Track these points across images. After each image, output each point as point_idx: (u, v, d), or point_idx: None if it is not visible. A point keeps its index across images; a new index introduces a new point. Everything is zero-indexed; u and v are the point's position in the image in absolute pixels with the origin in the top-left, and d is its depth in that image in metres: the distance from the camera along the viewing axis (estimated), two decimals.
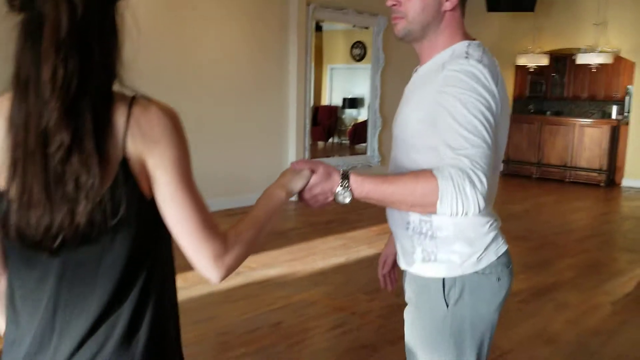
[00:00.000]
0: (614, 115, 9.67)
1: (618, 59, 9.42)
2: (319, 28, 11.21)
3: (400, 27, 1.51)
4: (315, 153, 11.00)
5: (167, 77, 5.90)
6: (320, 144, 12.90)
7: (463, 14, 1.54)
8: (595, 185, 9.21)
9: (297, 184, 1.33)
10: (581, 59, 9.43)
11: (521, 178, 9.90)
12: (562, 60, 10.33)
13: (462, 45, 1.47)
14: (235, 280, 4.31)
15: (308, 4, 7.28)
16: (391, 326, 3.51)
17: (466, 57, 1.41)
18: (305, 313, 3.79)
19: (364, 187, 1.37)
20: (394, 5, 1.50)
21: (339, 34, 12.58)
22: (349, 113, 13.56)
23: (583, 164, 9.43)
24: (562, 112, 10.58)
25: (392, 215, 1.63)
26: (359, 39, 12.08)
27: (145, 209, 1.02)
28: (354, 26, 9.07)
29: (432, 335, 1.58)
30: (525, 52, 10.19)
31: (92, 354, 1.03)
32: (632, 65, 9.35)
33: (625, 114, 9.56)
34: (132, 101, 0.99)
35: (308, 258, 4.98)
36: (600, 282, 4.54)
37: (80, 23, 0.92)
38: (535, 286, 4.42)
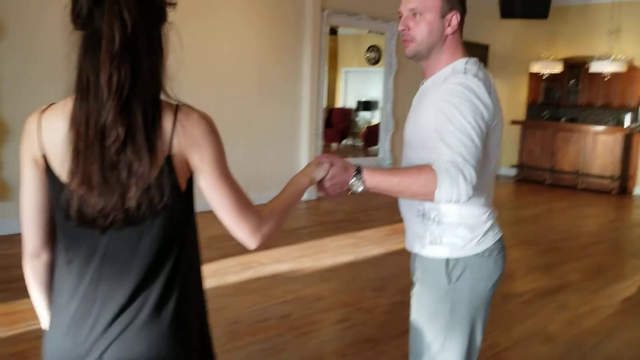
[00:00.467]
0: (627, 124, 9.71)
1: (632, 67, 9.46)
2: (334, 32, 11.37)
3: (411, 48, 1.75)
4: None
5: (186, 80, 6.08)
6: (334, 145, 13.06)
7: (461, 34, 1.76)
8: (607, 192, 9.26)
9: (319, 174, 1.57)
10: (594, 67, 9.49)
11: (534, 184, 9.99)
12: (576, 67, 10.38)
13: (461, 62, 1.71)
14: (247, 274, 4.49)
15: (323, 10, 7.44)
16: (395, 322, 3.65)
17: (464, 73, 1.65)
18: (313, 307, 3.95)
19: (374, 179, 1.59)
20: (404, 30, 1.73)
21: (354, 37, 12.73)
22: (363, 116, 13.72)
23: (596, 171, 9.48)
24: (577, 119, 10.62)
25: (405, 204, 1.86)
26: (374, 43, 12.24)
27: (179, 199, 1.22)
28: (369, 31, 9.22)
29: (435, 307, 1.81)
30: (539, 58, 10.26)
31: (128, 322, 1.20)
32: None
33: (639, 122, 9.60)
34: (177, 108, 1.19)
35: (318, 255, 5.14)
36: (602, 286, 4.64)
37: (130, 38, 1.11)
38: (538, 288, 4.54)
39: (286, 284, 4.35)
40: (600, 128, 9.59)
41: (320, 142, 7.83)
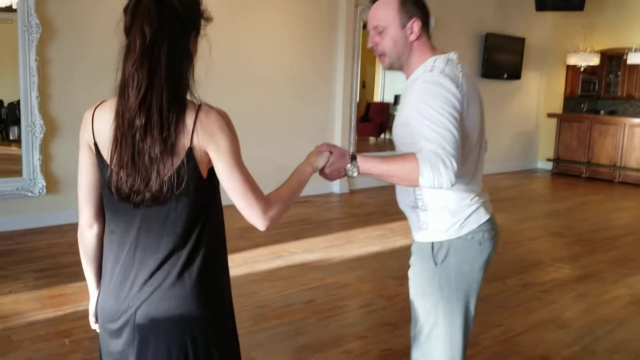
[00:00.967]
0: None
1: None
2: None
3: (385, 62, 1.95)
4: (365, 148, 11.34)
5: (225, 76, 6.37)
6: (372, 139, 13.20)
7: (429, 35, 1.92)
8: None
9: (320, 162, 1.78)
10: (632, 59, 9.38)
11: (570, 177, 9.94)
12: (616, 59, 10.25)
13: (430, 61, 1.88)
14: (276, 263, 4.74)
15: (356, 6, 7.61)
16: None
17: (431, 70, 1.83)
18: (337, 293, 4.17)
19: (366, 165, 1.78)
20: (373, 46, 1.94)
21: None
22: None
23: (632, 164, 9.38)
24: (617, 112, 10.50)
25: (400, 197, 2.06)
26: None
27: (202, 185, 1.46)
28: None
29: (424, 287, 2.00)
30: (576, 51, 10.18)
31: (159, 282, 1.47)
32: None
33: None
34: (198, 107, 1.42)
35: (346, 245, 5.34)
36: (623, 277, 4.71)
37: (149, 48, 1.35)
38: (560, 278, 4.64)
39: (313, 272, 4.57)
40: (637, 120, 9.48)
41: (353, 137, 8.01)
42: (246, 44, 6.79)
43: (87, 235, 1.59)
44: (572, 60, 10.24)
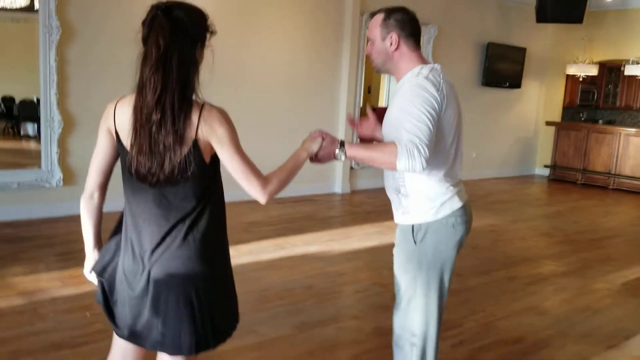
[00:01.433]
0: None
1: None
2: None
3: (375, 67, 2.36)
4: None
5: (233, 79, 6.74)
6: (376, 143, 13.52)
7: (414, 46, 2.27)
8: (638, 193, 9.44)
9: (314, 147, 2.11)
10: (629, 70, 9.69)
11: (566, 183, 10.24)
12: (614, 70, 10.56)
13: (417, 68, 2.23)
14: (279, 253, 5.07)
15: (361, 14, 7.95)
16: None
17: (417, 76, 2.18)
18: (335, 280, 4.50)
19: (352, 151, 2.13)
20: (369, 55, 2.35)
21: None
22: None
23: (627, 171, 9.68)
24: (615, 122, 10.81)
25: (387, 185, 2.40)
26: None
27: (205, 170, 1.79)
28: None
29: (405, 263, 2.34)
30: (575, 61, 10.50)
31: (168, 245, 1.80)
32: None
33: None
34: (202, 106, 1.75)
35: (345, 240, 5.67)
36: (604, 274, 5.02)
37: (163, 56, 1.67)
38: (544, 273, 4.95)
39: (313, 262, 4.90)
40: (632, 130, 9.78)
41: (356, 140, 8.34)
42: (254, 49, 7.14)
43: (89, 204, 1.92)
44: (572, 70, 10.55)
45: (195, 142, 1.72)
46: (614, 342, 3.59)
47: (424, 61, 2.28)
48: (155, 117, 1.67)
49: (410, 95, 2.11)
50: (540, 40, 10.71)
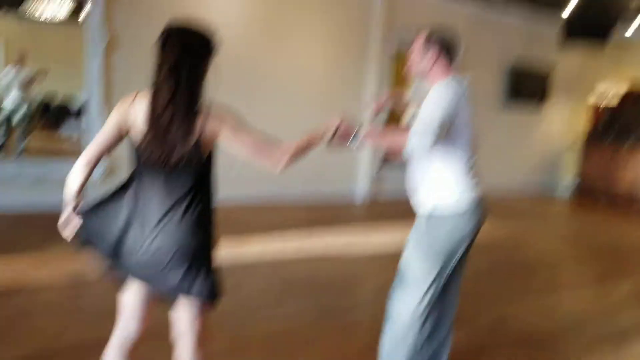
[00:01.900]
0: None
1: None
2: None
3: (412, 73, 2.70)
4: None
5: (259, 89, 7.10)
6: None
7: (448, 62, 2.62)
8: None
9: (329, 132, 2.39)
10: None
11: (588, 203, 10.31)
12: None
13: (445, 80, 2.56)
14: (303, 249, 5.34)
15: (388, 31, 8.26)
16: None
17: (445, 85, 2.52)
18: (356, 276, 4.78)
19: (367, 137, 2.43)
20: (409, 64, 2.70)
21: None
22: None
23: None
24: None
25: (410, 176, 2.70)
26: None
27: (203, 162, 2.13)
28: None
29: (416, 244, 2.63)
30: (599, 87, 10.65)
31: (170, 219, 2.11)
32: None
33: None
34: (207, 108, 2.09)
35: (365, 242, 5.92)
36: (621, 284, 5.19)
37: (174, 67, 2.02)
38: (558, 281, 5.15)
39: (336, 259, 5.17)
40: None
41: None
42: (282, 61, 7.50)
43: (82, 171, 2.17)
44: (597, 95, 10.70)
45: (199, 138, 2.06)
46: (623, 341, 3.77)
47: (455, 73, 2.62)
48: (167, 116, 2.02)
49: (433, 98, 2.45)
50: (565, 63, 10.89)
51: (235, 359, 3.07)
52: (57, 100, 7.25)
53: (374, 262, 5.21)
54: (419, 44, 2.65)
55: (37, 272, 4.17)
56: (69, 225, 2.21)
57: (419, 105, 2.63)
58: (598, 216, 9.16)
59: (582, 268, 5.72)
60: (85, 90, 6.21)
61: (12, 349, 3.00)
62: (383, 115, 8.51)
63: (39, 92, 6.96)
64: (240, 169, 6.56)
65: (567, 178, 11.20)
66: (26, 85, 6.65)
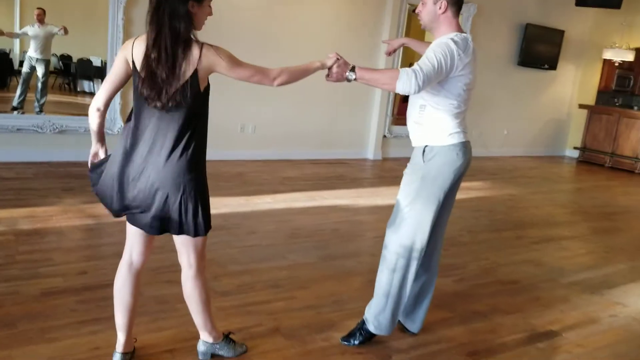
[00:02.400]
0: None
1: None
2: None
3: (422, 24, 2.85)
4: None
5: (275, 48, 7.32)
6: None
7: (456, 14, 2.78)
8: None
9: (328, 62, 2.59)
10: None
11: (594, 165, 10.53)
12: None
13: (453, 34, 2.72)
14: (311, 203, 5.66)
15: None
16: None
17: (450, 38, 2.68)
18: (358, 227, 5.09)
19: (361, 72, 2.63)
20: (418, 12, 2.85)
21: None
22: None
23: None
24: None
25: (409, 117, 2.90)
26: None
27: (198, 97, 2.28)
28: None
29: (411, 178, 2.85)
30: (612, 46, 10.70)
31: (167, 156, 2.25)
32: None
33: None
34: (202, 45, 2.25)
35: (371, 197, 6.23)
36: (605, 239, 5.48)
37: (154, 11, 2.16)
38: (550, 235, 5.43)
39: (340, 212, 5.49)
40: None
41: (390, 109, 8.83)
42: (295, 21, 7.69)
43: (95, 115, 2.41)
44: (608, 55, 10.75)
45: (195, 73, 2.19)
46: (598, 290, 4.08)
47: (460, 29, 2.78)
48: (154, 55, 2.16)
49: (435, 46, 2.65)
50: (578, 23, 10.92)
51: (242, 294, 3.42)
52: (77, 61, 7.50)
53: (378, 215, 5.53)
54: None
55: (58, 217, 4.54)
56: (93, 160, 2.51)
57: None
58: (600, 179, 9.37)
59: (577, 226, 6.01)
60: (109, 45, 6.47)
61: (39, 286, 3.36)
62: (397, 58, 8.73)
63: (57, 50, 7.20)
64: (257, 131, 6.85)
65: (574, 140, 11.37)
66: (45, 43, 6.86)
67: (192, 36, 2.23)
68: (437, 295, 3.46)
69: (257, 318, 3.12)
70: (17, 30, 6.70)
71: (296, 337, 2.95)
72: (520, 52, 10.24)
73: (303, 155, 8.09)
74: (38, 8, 6.59)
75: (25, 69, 6.73)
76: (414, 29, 8.75)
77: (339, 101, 8.26)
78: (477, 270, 4.26)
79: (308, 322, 3.14)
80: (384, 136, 8.80)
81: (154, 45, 2.17)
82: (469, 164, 2.87)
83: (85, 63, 7.40)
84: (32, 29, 6.64)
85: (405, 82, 2.49)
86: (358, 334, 2.97)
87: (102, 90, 2.38)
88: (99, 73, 7.19)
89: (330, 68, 2.61)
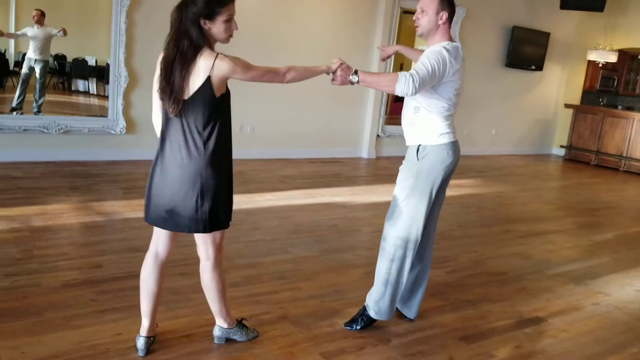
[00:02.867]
0: None
1: None
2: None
3: (418, 31, 3.05)
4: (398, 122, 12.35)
5: (273, 49, 7.55)
6: None
7: (450, 25, 3.01)
8: None
9: (333, 67, 2.83)
10: None
11: (579, 163, 10.86)
12: (635, 58, 11.06)
13: (445, 43, 2.95)
14: (309, 200, 5.91)
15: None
16: None
17: (442, 46, 2.91)
18: (355, 223, 5.33)
19: (363, 76, 2.85)
20: (415, 19, 3.04)
21: None
22: None
23: (637, 155, 10.26)
24: (634, 108, 11.31)
25: (404, 117, 3.14)
26: None
27: (215, 100, 2.48)
28: None
29: (406, 173, 3.09)
30: (596, 48, 11.02)
31: (190, 154, 2.50)
32: None
33: None
34: (216, 56, 2.47)
35: (366, 195, 6.49)
36: (590, 234, 5.76)
37: (177, 25, 2.44)
38: (536, 230, 5.71)
39: (338, 209, 5.74)
40: None
41: (383, 109, 9.09)
42: (292, 25, 7.93)
43: (155, 121, 2.65)
44: (592, 56, 11.08)
45: (208, 79, 2.38)
46: (582, 281, 4.35)
47: (451, 38, 3.02)
48: (170, 66, 2.42)
49: (429, 53, 2.88)
50: (563, 25, 11.24)
51: (250, 285, 3.65)
52: (72, 60, 7.59)
53: (373, 211, 5.78)
54: (432, 4, 2.90)
55: (68, 215, 4.75)
56: None
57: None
58: (585, 176, 9.69)
59: (562, 221, 6.30)
60: (111, 47, 6.66)
61: (59, 279, 3.58)
62: (389, 62, 8.98)
63: (55, 51, 7.28)
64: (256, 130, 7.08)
65: (560, 139, 11.69)
66: (44, 44, 6.94)
67: (207, 47, 2.45)
68: (431, 285, 3.72)
69: (265, 307, 3.35)
70: (12, 31, 6.75)
71: (303, 324, 3.19)
72: (508, 54, 10.54)
73: (300, 154, 8.34)
74: (36, 9, 6.65)
75: (24, 69, 6.81)
76: (404, 30, 9.03)
77: (335, 102, 8.51)
78: (468, 262, 4.52)
79: (313, 310, 3.38)
80: (378, 136, 9.06)
81: (170, 55, 2.42)
82: (458, 162, 3.13)
83: (80, 62, 7.53)
84: (32, 30, 6.72)
85: (403, 84, 2.73)
86: (360, 320, 3.22)
87: (154, 102, 2.61)
88: (94, 72, 7.34)
89: (335, 72, 2.83)
